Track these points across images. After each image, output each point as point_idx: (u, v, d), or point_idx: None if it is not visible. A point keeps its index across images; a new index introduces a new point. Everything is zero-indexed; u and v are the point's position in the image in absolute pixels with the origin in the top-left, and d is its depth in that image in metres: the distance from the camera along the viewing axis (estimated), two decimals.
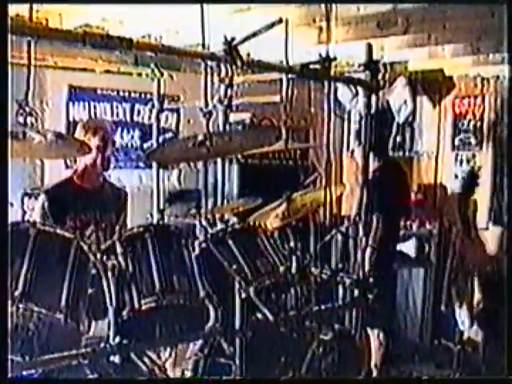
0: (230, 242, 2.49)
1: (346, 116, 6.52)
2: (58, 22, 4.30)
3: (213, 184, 3.22)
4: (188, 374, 2.58)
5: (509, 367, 1.86)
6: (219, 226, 2.69)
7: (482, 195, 5.64)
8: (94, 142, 3.39)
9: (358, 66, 3.05)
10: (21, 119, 2.12)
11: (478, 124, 6.18)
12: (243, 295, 2.34)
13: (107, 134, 3.51)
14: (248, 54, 3.10)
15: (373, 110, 2.99)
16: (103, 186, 3.57)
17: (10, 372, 1.82)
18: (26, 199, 4.95)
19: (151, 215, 3.20)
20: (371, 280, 2.82)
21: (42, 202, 3.35)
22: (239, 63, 2.45)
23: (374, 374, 3.81)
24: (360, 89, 3.21)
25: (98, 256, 2.21)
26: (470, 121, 6.28)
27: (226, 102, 2.69)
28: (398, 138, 7.03)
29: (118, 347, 2.08)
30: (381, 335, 4.14)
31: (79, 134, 3.42)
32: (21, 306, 1.92)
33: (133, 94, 5.58)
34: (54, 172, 4.99)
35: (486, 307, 4.29)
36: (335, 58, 2.77)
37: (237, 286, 2.33)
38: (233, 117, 3.04)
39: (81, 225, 3.25)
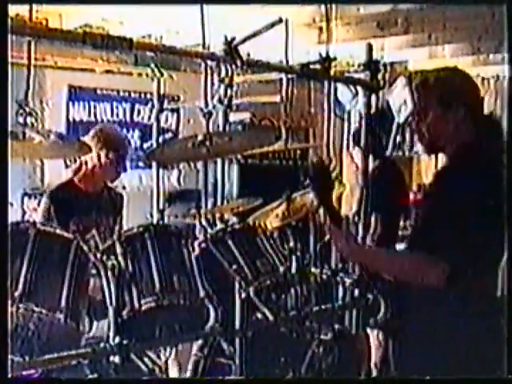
0: (230, 242, 2.49)
1: (345, 116, 6.52)
2: (57, 22, 4.30)
3: (213, 184, 3.22)
4: (188, 374, 2.58)
5: (509, 367, 1.85)
6: (219, 225, 2.69)
7: None
8: (110, 155, 3.37)
9: (357, 66, 3.06)
10: (21, 119, 2.12)
11: None
12: (243, 295, 2.34)
13: (126, 152, 3.50)
14: (248, 54, 3.11)
15: (373, 110, 2.99)
16: (103, 190, 3.57)
17: (9, 372, 1.82)
18: (25, 199, 4.95)
19: (151, 215, 3.20)
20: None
21: (46, 205, 3.34)
22: (239, 63, 2.45)
23: (374, 373, 3.80)
24: (360, 89, 3.21)
25: (98, 256, 2.21)
26: None
27: (225, 102, 2.70)
28: (398, 138, 7.02)
29: (118, 347, 2.07)
30: (380, 335, 4.14)
31: (93, 143, 3.36)
32: (21, 306, 1.92)
33: (133, 94, 5.58)
34: (54, 172, 4.99)
35: None
36: (335, 58, 2.77)
37: (237, 286, 2.33)
38: (233, 117, 3.04)
39: (83, 228, 3.24)
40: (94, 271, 2.22)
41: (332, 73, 2.84)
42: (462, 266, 1.94)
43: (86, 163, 3.44)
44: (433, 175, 2.33)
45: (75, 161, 4.88)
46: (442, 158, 2.29)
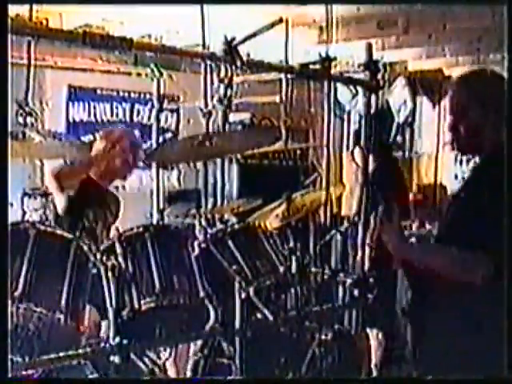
0: (230, 242, 2.49)
1: (345, 116, 6.52)
2: (58, 22, 4.30)
3: (213, 184, 3.22)
4: (188, 374, 2.58)
5: (509, 367, 1.85)
6: (219, 226, 2.69)
7: None
8: (127, 156, 3.39)
9: (357, 66, 3.06)
10: (21, 119, 2.12)
11: None
12: (243, 295, 2.34)
13: (133, 149, 3.52)
14: (248, 54, 3.11)
15: (373, 110, 2.99)
16: (107, 189, 3.58)
17: (10, 372, 1.82)
18: (25, 199, 4.95)
19: (151, 215, 3.20)
20: (371, 280, 2.82)
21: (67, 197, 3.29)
22: (239, 63, 2.45)
23: (374, 373, 3.80)
24: (360, 89, 3.21)
25: (98, 256, 2.21)
26: None
27: (225, 102, 2.70)
28: (398, 138, 7.03)
29: (118, 347, 2.07)
30: (380, 335, 4.14)
31: (101, 142, 3.37)
32: (21, 306, 1.93)
33: (133, 94, 5.58)
34: None
35: None
36: (335, 58, 2.77)
37: (237, 286, 2.33)
38: (233, 117, 3.04)
39: (95, 224, 3.24)
40: (94, 271, 2.22)
41: (332, 73, 2.84)
42: (503, 264, 1.96)
43: (97, 159, 3.42)
44: (471, 173, 2.38)
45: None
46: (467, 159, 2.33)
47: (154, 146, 3.52)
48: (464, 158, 6.50)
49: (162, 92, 3.12)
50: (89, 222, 3.26)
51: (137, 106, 5.61)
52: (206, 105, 2.86)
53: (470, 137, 2.21)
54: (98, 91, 5.43)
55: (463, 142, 2.24)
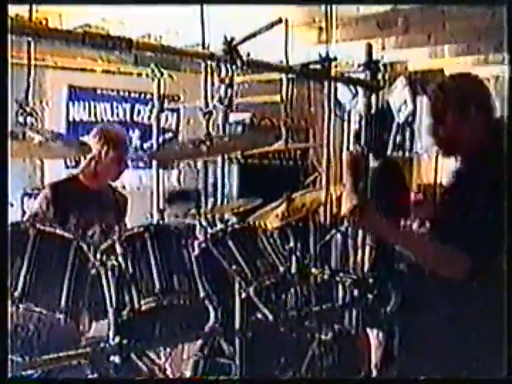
0: (230, 242, 2.49)
1: (345, 116, 6.52)
2: (57, 22, 4.30)
3: (213, 184, 3.22)
4: (188, 374, 2.58)
5: (509, 367, 1.86)
6: (219, 225, 2.69)
7: None
8: (110, 153, 3.40)
9: (357, 66, 3.06)
10: (21, 119, 2.12)
11: None
12: (243, 295, 2.33)
13: (126, 150, 3.53)
14: (248, 54, 3.11)
15: (373, 110, 2.99)
16: (107, 189, 3.58)
17: (9, 372, 1.82)
18: (25, 199, 4.95)
19: (151, 215, 3.20)
20: (371, 280, 2.82)
21: (45, 195, 3.33)
22: (239, 63, 2.45)
23: (374, 373, 3.80)
24: (360, 89, 3.21)
25: (98, 256, 2.21)
26: None
27: (226, 102, 2.69)
28: (398, 138, 7.03)
29: (118, 347, 2.07)
30: (380, 335, 4.13)
31: (94, 142, 3.39)
32: (21, 306, 1.93)
33: (133, 94, 5.58)
34: (53, 172, 4.99)
35: None
36: (335, 58, 2.78)
37: (237, 286, 2.33)
38: (233, 117, 3.05)
39: (83, 224, 3.25)
40: (93, 271, 2.22)
41: (332, 73, 2.84)
42: (483, 260, 1.99)
43: (91, 161, 3.44)
44: (453, 174, 2.41)
45: (75, 161, 4.91)
46: (455, 159, 2.37)
47: (155, 145, 3.51)
48: None
49: (162, 92, 3.12)
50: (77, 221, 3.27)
51: (137, 105, 5.62)
52: (207, 105, 2.86)
53: (450, 140, 2.25)
54: (98, 91, 5.43)
55: (444, 145, 2.30)
